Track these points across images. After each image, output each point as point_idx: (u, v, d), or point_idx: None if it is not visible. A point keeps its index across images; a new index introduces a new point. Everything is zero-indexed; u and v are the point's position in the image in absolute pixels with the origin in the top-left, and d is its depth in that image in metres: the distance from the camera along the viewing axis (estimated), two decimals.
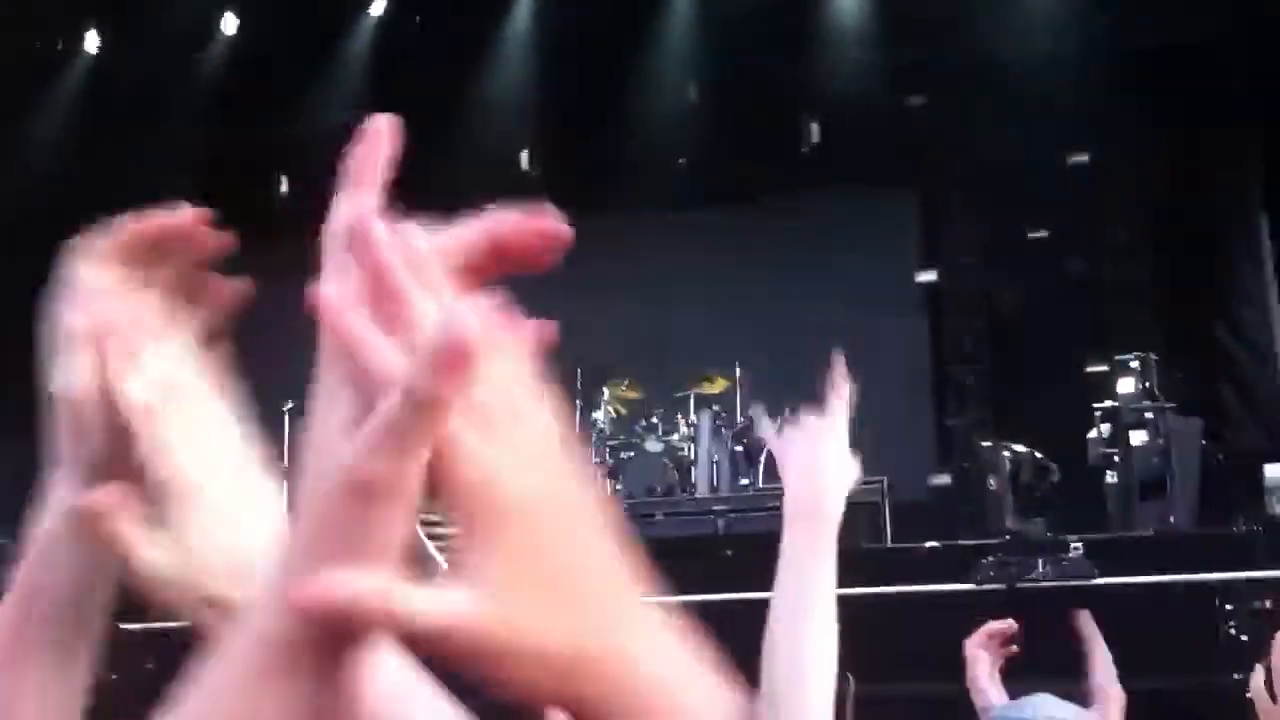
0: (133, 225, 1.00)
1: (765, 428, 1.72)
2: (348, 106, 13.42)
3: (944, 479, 12.79)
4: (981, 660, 2.75)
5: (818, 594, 1.66)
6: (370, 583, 0.66)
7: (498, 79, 13.34)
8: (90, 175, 13.56)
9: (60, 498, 0.99)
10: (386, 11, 13.36)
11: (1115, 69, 12.15)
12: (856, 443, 1.76)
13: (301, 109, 13.42)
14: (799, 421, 1.72)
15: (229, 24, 13.41)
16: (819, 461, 1.69)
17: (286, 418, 11.24)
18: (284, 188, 13.77)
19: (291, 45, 13.28)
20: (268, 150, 13.82)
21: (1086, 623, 1.89)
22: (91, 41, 13.49)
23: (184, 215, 1.01)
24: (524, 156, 13.56)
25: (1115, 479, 9.67)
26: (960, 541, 8.72)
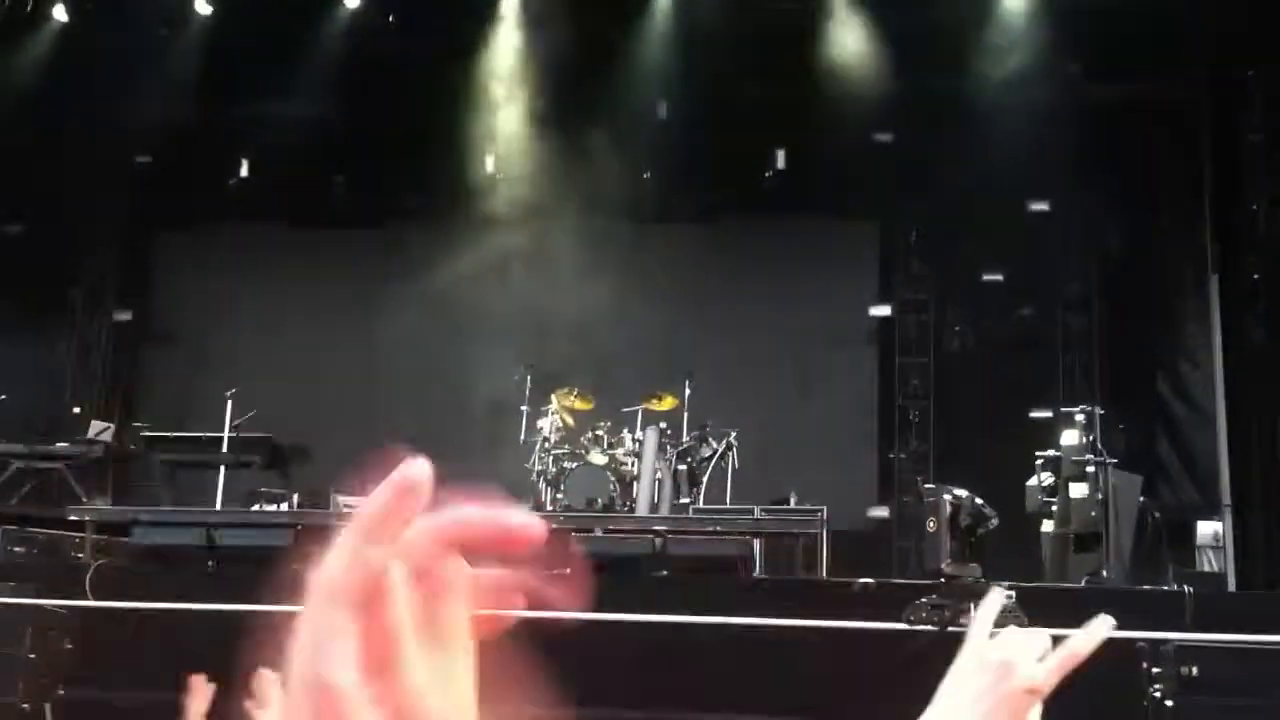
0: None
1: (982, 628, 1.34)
2: (315, 98, 13.33)
3: (883, 512, 12.86)
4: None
5: None
6: None
7: (472, 82, 13.32)
8: (47, 142, 13.40)
9: None
10: (362, 6, 13.29)
11: (1082, 122, 12.31)
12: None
13: (267, 97, 13.31)
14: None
15: (202, 6, 13.28)
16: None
17: (229, 403, 11.18)
18: (244, 171, 13.68)
19: (261, 32, 13.17)
20: (230, 133, 13.72)
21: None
22: (60, 11, 13.35)
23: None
24: (489, 160, 13.53)
25: (1052, 529, 9.73)
26: (894, 580, 8.75)
